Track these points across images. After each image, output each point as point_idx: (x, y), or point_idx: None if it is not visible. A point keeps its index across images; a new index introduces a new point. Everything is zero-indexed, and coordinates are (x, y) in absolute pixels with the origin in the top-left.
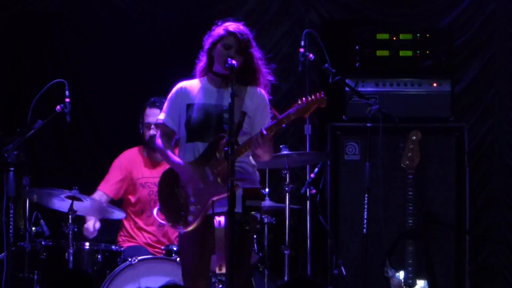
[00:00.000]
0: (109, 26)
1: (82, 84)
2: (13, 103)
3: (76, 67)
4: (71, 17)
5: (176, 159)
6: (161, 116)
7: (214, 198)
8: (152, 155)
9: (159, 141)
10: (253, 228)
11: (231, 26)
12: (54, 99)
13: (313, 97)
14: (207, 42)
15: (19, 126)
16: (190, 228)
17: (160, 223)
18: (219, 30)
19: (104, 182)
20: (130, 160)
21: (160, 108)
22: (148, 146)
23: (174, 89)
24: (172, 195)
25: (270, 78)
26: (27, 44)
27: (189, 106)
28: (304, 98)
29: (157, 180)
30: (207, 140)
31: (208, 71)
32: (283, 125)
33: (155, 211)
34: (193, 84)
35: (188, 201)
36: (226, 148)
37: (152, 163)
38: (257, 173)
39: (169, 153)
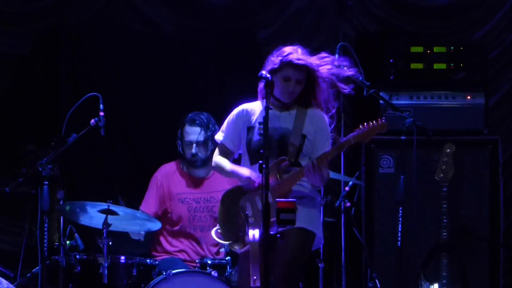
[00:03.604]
0: (143, 39)
1: (116, 98)
2: (48, 116)
3: (111, 80)
4: (105, 30)
5: (240, 168)
6: (219, 136)
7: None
8: (193, 171)
9: (217, 158)
10: (294, 242)
11: (291, 56)
12: (88, 112)
13: (374, 122)
14: (267, 69)
15: (54, 139)
16: (247, 248)
17: (218, 242)
18: (277, 59)
19: (144, 202)
20: (167, 176)
21: (201, 126)
22: (189, 163)
23: (235, 111)
24: (231, 215)
25: (335, 104)
26: (61, 57)
27: (250, 129)
28: (365, 124)
29: (197, 196)
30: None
31: None
32: (343, 150)
33: (213, 232)
34: (254, 107)
35: (247, 222)
36: (261, 162)
37: (193, 180)
38: (316, 191)
39: (231, 164)
